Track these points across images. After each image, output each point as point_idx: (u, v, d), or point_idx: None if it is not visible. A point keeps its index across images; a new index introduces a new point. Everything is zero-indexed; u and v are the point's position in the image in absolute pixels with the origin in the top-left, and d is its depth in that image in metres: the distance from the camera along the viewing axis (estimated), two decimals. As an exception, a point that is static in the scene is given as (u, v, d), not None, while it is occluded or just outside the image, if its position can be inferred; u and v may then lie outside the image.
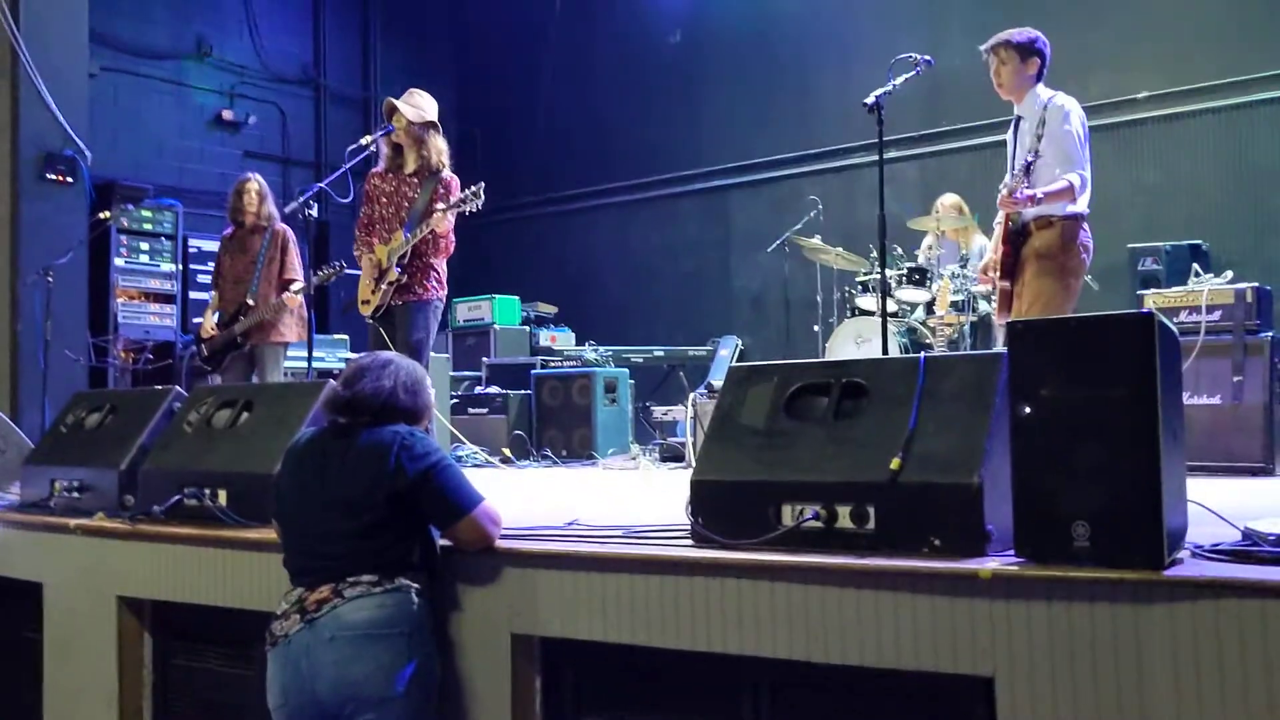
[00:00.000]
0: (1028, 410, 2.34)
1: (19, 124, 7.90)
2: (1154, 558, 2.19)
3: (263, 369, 6.59)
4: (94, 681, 3.95)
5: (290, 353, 6.79)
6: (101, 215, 7.81)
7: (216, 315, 6.73)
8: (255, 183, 6.78)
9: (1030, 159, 4.57)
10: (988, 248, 7.88)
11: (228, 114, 11.33)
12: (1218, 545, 2.37)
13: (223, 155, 11.07)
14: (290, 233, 6.77)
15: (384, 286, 5.38)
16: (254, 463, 3.65)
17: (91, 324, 8.43)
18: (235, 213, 6.78)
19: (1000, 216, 4.89)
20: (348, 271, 6.26)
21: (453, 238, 5.48)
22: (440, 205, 5.33)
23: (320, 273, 6.34)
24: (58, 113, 7.99)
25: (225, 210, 6.87)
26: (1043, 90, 4.85)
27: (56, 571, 4.13)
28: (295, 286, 6.50)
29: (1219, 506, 2.68)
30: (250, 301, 6.52)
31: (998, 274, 4.78)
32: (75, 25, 8.26)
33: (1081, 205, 4.71)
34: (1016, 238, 4.75)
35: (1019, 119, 4.90)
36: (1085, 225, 4.76)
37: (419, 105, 5.54)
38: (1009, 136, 5.01)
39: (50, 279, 7.24)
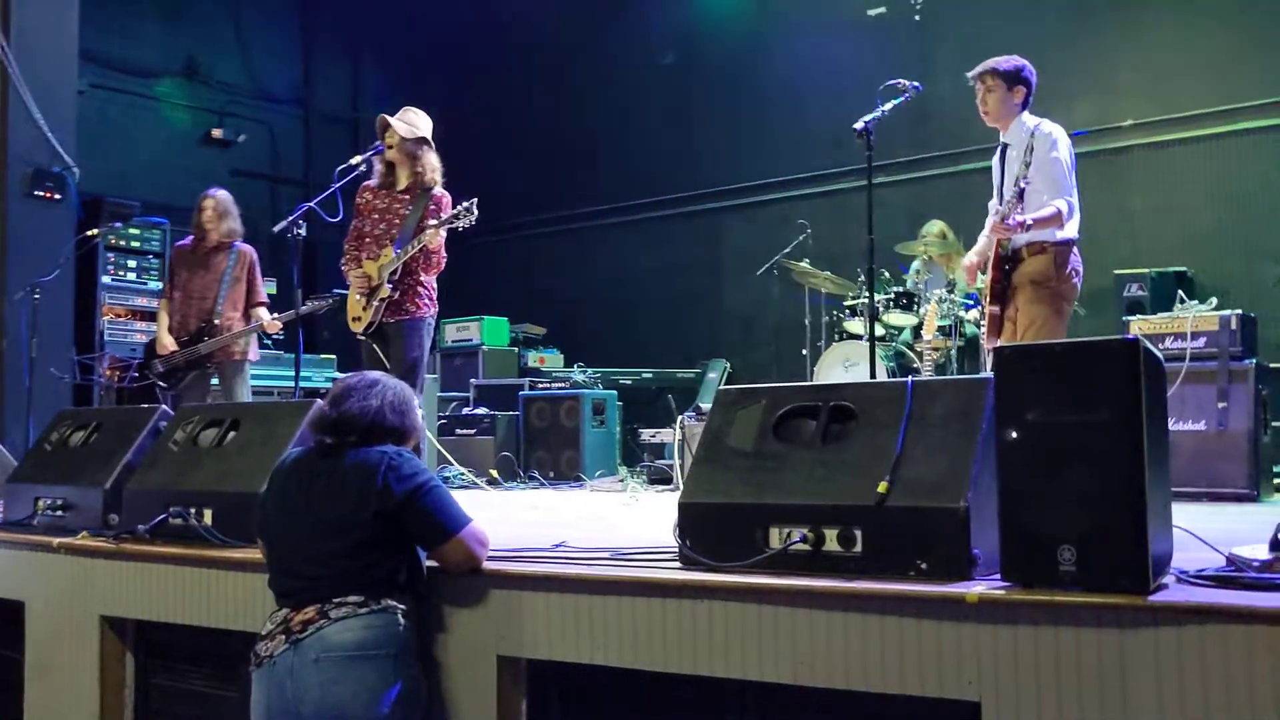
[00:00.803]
0: (1014, 435, 2.35)
1: (7, 140, 7.89)
2: (1139, 582, 2.19)
3: (230, 387, 6.50)
4: (75, 702, 3.92)
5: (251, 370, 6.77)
6: (89, 232, 7.78)
7: (176, 335, 6.61)
8: (213, 199, 6.72)
9: (1023, 185, 4.61)
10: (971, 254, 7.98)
11: (217, 132, 11.35)
12: (1203, 571, 2.38)
13: (211, 173, 11.06)
14: (255, 254, 6.73)
15: (375, 303, 5.38)
16: (240, 482, 3.64)
17: (78, 341, 8.40)
18: (196, 228, 6.76)
19: (984, 240, 4.93)
20: (337, 291, 6.26)
21: (444, 254, 5.48)
22: (432, 222, 5.33)
23: (311, 302, 6.27)
24: (46, 129, 7.97)
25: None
26: (1028, 118, 4.91)
27: (39, 590, 4.10)
28: (272, 315, 6.48)
29: (1204, 532, 2.69)
30: (216, 321, 6.48)
31: (987, 299, 4.82)
32: (65, 42, 8.26)
33: (1071, 231, 4.76)
34: (1007, 263, 4.78)
35: (1005, 146, 4.95)
36: (1076, 250, 4.81)
37: (412, 122, 5.55)
38: (995, 163, 5.06)
39: (37, 296, 7.21)
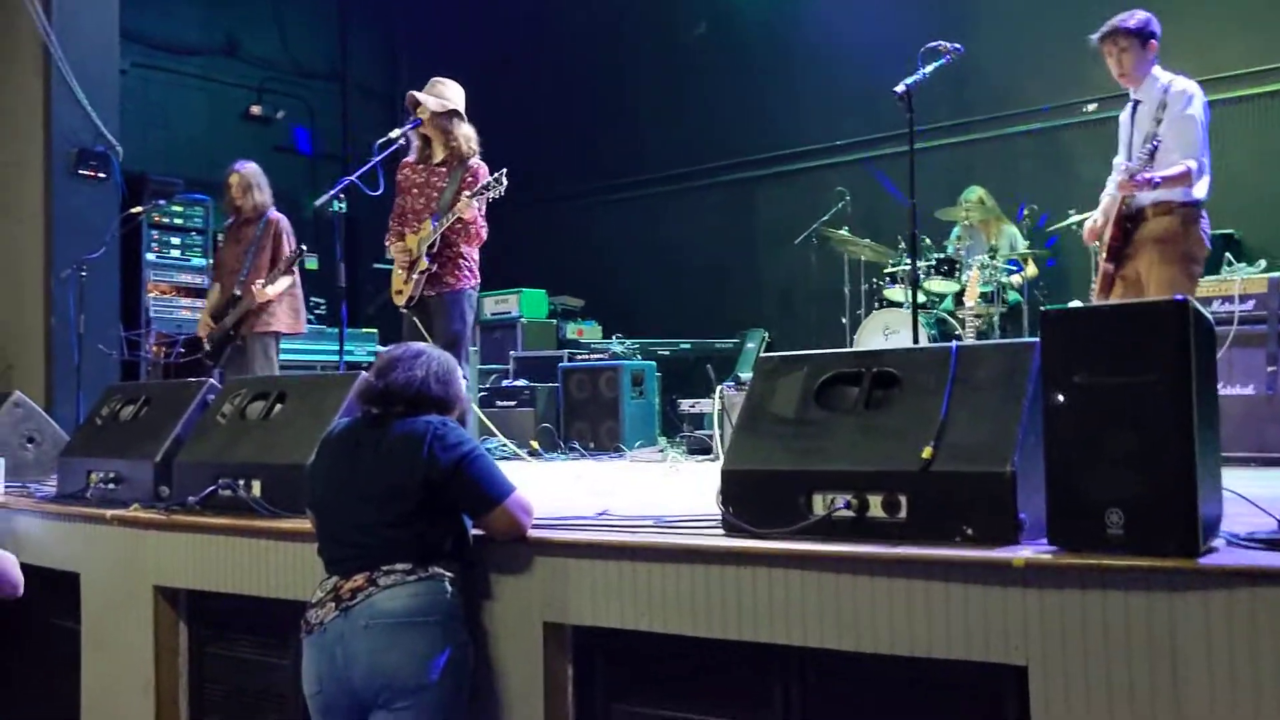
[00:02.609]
0: (1061, 398, 2.34)
1: (52, 120, 7.97)
2: (1189, 546, 2.18)
3: (251, 359, 6.49)
4: (130, 670, 4.00)
5: (293, 345, 6.73)
6: (133, 210, 7.86)
7: (212, 311, 6.70)
8: (236, 174, 6.74)
9: (1155, 143, 4.51)
10: (1018, 238, 7.90)
11: (256, 109, 11.41)
12: (1253, 534, 2.36)
13: (252, 150, 11.12)
14: (285, 222, 6.69)
15: (415, 276, 5.41)
16: (287, 454, 3.69)
17: (124, 318, 8.50)
18: (227, 204, 6.82)
19: (1107, 199, 4.84)
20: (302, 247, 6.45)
21: (483, 224, 5.48)
22: (466, 193, 5.35)
23: (281, 261, 6.42)
24: (90, 109, 8.06)
25: None
26: (1161, 73, 4.80)
27: (93, 562, 4.19)
28: (261, 282, 6.46)
29: (1253, 496, 2.66)
30: (237, 292, 6.54)
31: (1103, 256, 4.72)
32: (107, 22, 8.32)
33: (1200, 191, 4.65)
34: (1129, 222, 4.68)
35: (1136, 103, 4.83)
36: (1204, 212, 4.71)
37: (441, 94, 5.54)
38: (1124, 120, 4.94)
39: (83, 274, 7.30)
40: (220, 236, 7.20)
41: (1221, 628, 2.11)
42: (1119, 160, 4.98)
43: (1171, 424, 2.21)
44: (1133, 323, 2.31)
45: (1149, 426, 2.23)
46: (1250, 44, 8.08)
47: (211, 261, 7.03)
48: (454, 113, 5.54)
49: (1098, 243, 4.90)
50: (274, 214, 6.72)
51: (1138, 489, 2.23)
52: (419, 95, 5.49)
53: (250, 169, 6.80)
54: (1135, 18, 4.76)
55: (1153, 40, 4.77)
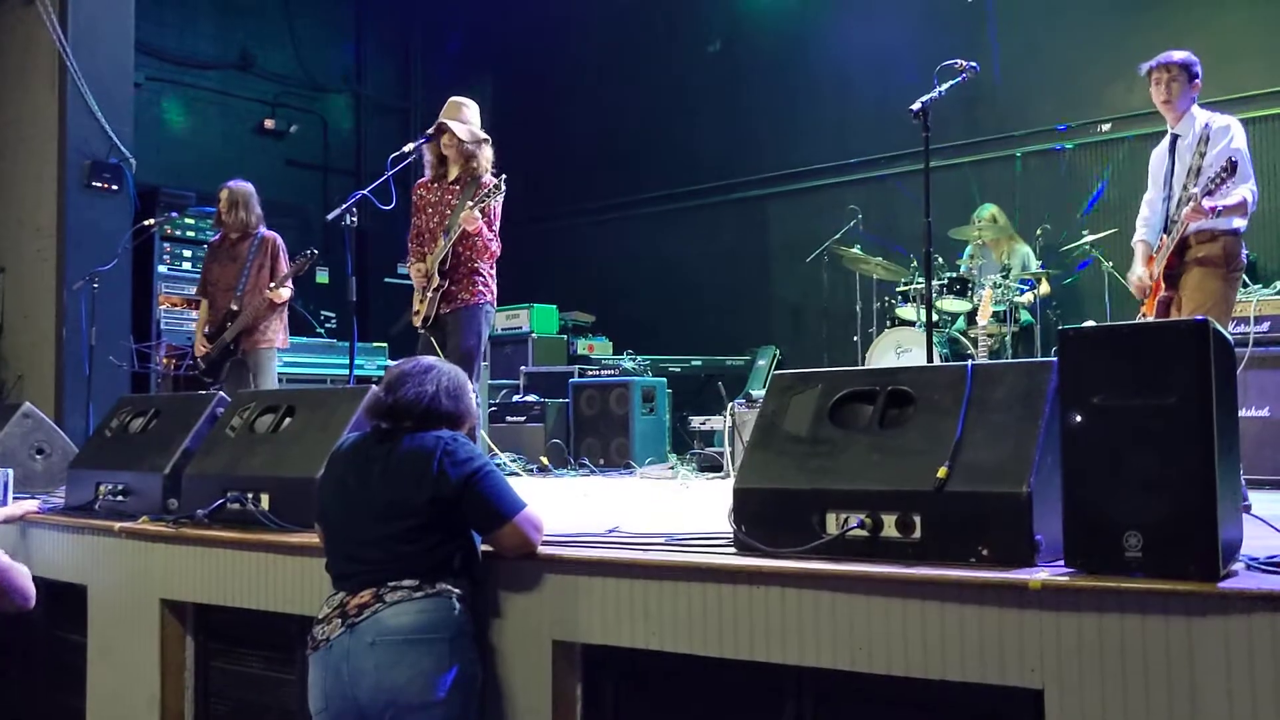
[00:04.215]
0: (1079, 419, 2.31)
1: (66, 132, 8.01)
2: (1209, 569, 2.15)
3: (256, 374, 6.58)
4: (136, 684, 3.98)
5: (302, 359, 6.81)
6: (146, 222, 7.89)
7: (207, 329, 6.74)
8: (226, 190, 6.80)
9: (1222, 173, 4.54)
10: (1030, 258, 7.87)
11: (270, 122, 11.46)
12: (1273, 557, 2.33)
13: (265, 163, 11.19)
14: (279, 240, 6.79)
15: (429, 295, 5.41)
16: (296, 467, 3.67)
17: (135, 330, 8.52)
18: (218, 222, 6.88)
19: (1144, 245, 4.91)
20: (313, 252, 6.52)
21: (490, 237, 5.43)
22: (470, 202, 5.34)
23: (294, 263, 6.51)
24: (104, 121, 8.09)
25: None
26: (1199, 111, 4.89)
27: (100, 574, 4.17)
28: (275, 285, 6.55)
29: (1271, 518, 2.63)
30: (235, 307, 6.58)
31: (1160, 286, 4.77)
32: (122, 36, 8.37)
33: (1241, 221, 4.71)
34: (1177, 249, 4.74)
35: (1175, 137, 4.90)
36: (1243, 242, 4.76)
37: (468, 120, 5.54)
38: (1160, 153, 5.00)
39: (95, 285, 7.32)
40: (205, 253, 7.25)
41: (1241, 653, 2.08)
42: (1148, 196, 5.00)
43: (1192, 446, 2.18)
44: (1152, 343, 2.28)
45: (1169, 448, 2.21)
46: (1266, 65, 8.06)
47: (201, 282, 7.01)
48: (482, 140, 5.55)
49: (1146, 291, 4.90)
50: (268, 232, 6.81)
51: (1157, 511, 2.20)
52: (449, 124, 5.46)
53: (240, 187, 6.83)
54: (1184, 55, 4.89)
55: (1196, 80, 4.85)
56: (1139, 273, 4.91)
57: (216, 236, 6.96)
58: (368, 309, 9.99)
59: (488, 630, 3.06)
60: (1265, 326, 5.56)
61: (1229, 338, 2.38)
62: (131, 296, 8.48)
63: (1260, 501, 3.58)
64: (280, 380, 7.68)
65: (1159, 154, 4.99)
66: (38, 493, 5.14)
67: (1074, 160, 8.77)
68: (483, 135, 5.56)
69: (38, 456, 5.45)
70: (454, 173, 5.59)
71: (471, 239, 5.37)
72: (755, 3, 10.75)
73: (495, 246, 5.48)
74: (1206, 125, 4.79)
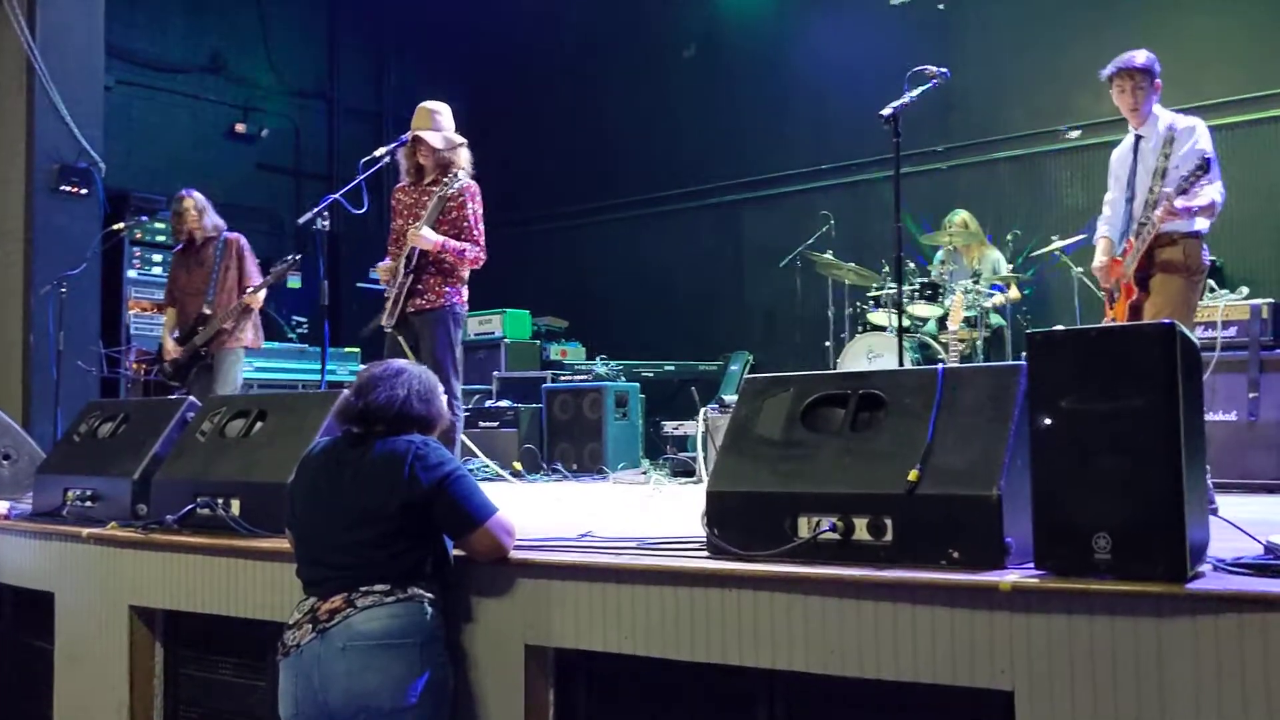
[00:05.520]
0: (1048, 422, 2.33)
1: (34, 135, 7.93)
2: (1176, 571, 2.17)
3: (218, 374, 6.56)
4: (104, 691, 3.94)
5: (274, 364, 6.79)
6: (115, 227, 7.82)
7: (175, 333, 6.73)
8: (191, 199, 6.83)
9: (1197, 170, 4.55)
10: (1001, 263, 7.93)
11: (241, 127, 11.38)
12: (1240, 559, 2.35)
13: (236, 167, 11.12)
14: (244, 241, 6.82)
15: (393, 292, 5.35)
16: (267, 472, 3.65)
17: (104, 335, 8.44)
18: (178, 231, 6.88)
19: (1106, 241, 4.91)
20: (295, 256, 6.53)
21: (463, 248, 5.31)
22: (413, 225, 5.28)
23: (275, 269, 6.51)
24: (73, 125, 8.02)
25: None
26: (1162, 111, 4.89)
27: (68, 581, 4.13)
28: (253, 290, 6.58)
29: (1238, 521, 2.66)
30: (207, 311, 6.57)
31: (1130, 288, 4.77)
32: (92, 38, 8.29)
33: (1205, 223, 4.72)
34: (1147, 252, 4.75)
35: (1138, 138, 4.91)
36: (1205, 245, 4.77)
37: (442, 126, 5.49)
38: (1122, 154, 4.99)
39: (63, 290, 7.25)
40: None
41: (1209, 653, 2.10)
42: (1109, 197, 5.00)
43: (1159, 448, 2.20)
44: (1120, 346, 2.30)
45: (1136, 451, 2.23)
46: (1232, 73, 8.15)
47: (168, 290, 6.99)
48: (457, 146, 5.51)
49: (1115, 279, 4.91)
50: (230, 234, 6.82)
51: (1125, 513, 2.22)
52: (423, 135, 5.41)
53: (199, 194, 6.88)
54: (1144, 56, 4.87)
55: (1157, 80, 4.87)
56: (1102, 260, 4.93)
57: (180, 245, 6.95)
58: (339, 313, 9.94)
59: (460, 635, 3.05)
60: (1232, 331, 5.62)
61: (1195, 341, 2.40)
62: (101, 301, 8.40)
63: (1227, 505, 3.62)
64: (251, 385, 7.66)
65: (1121, 154, 5.01)
66: (4, 498, 5.08)
67: (1044, 166, 8.84)
68: (459, 139, 5.51)
69: (4, 462, 5.39)
70: (430, 174, 5.55)
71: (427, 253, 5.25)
72: (730, 8, 10.78)
73: (477, 254, 5.37)
74: (1170, 126, 4.80)
